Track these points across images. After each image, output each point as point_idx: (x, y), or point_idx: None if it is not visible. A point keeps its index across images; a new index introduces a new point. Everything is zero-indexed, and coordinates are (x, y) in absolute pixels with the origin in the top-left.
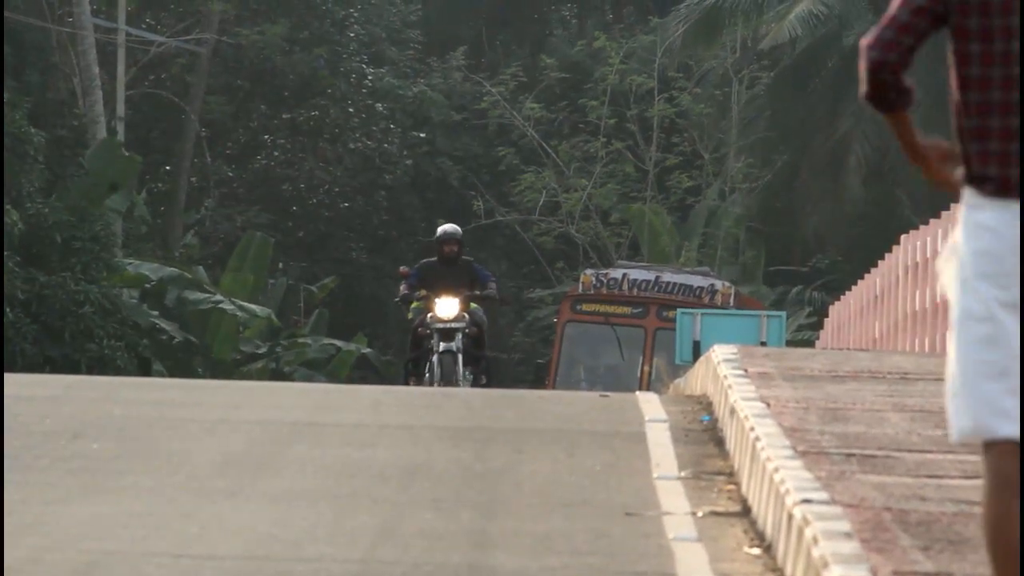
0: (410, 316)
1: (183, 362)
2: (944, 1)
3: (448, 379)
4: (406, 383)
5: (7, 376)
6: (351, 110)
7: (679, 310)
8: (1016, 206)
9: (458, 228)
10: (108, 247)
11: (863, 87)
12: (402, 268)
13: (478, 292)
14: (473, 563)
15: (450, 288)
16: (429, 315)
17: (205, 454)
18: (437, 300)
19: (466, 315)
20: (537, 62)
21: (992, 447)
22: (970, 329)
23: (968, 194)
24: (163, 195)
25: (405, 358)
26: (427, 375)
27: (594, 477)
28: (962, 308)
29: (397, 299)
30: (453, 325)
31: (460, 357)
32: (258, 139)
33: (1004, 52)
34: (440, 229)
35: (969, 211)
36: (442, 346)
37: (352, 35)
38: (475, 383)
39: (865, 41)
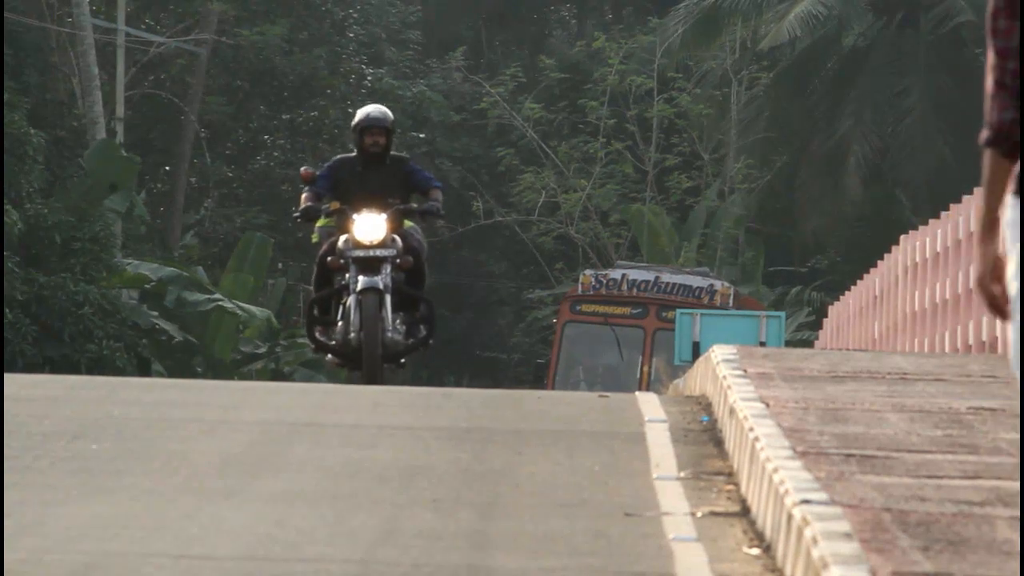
0: (315, 239)
1: (183, 362)
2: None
3: (371, 329)
4: (310, 336)
5: (7, 376)
6: (351, 110)
7: (678, 310)
8: None
9: (387, 112)
10: (108, 247)
11: (992, 140)
12: (304, 169)
13: (415, 205)
14: (472, 563)
15: (374, 198)
16: (343, 238)
17: (205, 454)
18: (355, 216)
19: (396, 238)
20: (536, 62)
21: None
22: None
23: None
24: (162, 195)
25: (307, 300)
26: (339, 323)
27: (593, 477)
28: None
29: (296, 213)
30: (378, 252)
31: (388, 298)
32: (257, 139)
33: None
34: (361, 112)
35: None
36: (362, 282)
37: (351, 36)
38: (409, 335)
39: (989, 108)
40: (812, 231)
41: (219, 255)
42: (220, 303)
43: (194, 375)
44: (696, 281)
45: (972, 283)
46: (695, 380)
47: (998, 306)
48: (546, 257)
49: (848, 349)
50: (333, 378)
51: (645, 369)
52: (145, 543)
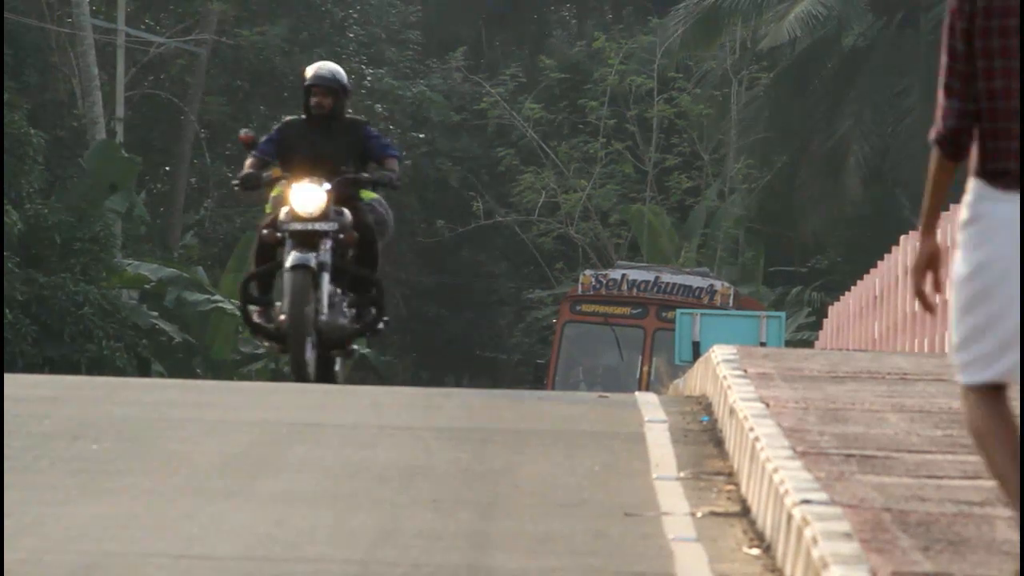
0: (268, 209)
1: (182, 363)
2: (967, 43)
3: (295, 311)
4: (246, 318)
5: (7, 376)
6: (350, 111)
7: (678, 310)
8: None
9: (338, 69)
10: (107, 248)
11: (938, 141)
12: (244, 132)
13: (366, 175)
14: (472, 564)
15: (324, 165)
16: (284, 209)
17: (204, 455)
18: (294, 185)
19: (343, 211)
20: (536, 62)
21: (990, 386)
22: (966, 293)
23: (979, 186)
24: (162, 196)
25: (244, 275)
26: (277, 304)
27: (593, 478)
28: (960, 277)
29: (235, 181)
30: (315, 226)
31: (325, 277)
32: (258, 139)
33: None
34: (309, 69)
35: (980, 202)
36: (292, 258)
37: (351, 36)
38: (358, 318)
39: (937, 110)
40: (812, 231)
41: (219, 255)
42: (219, 304)
43: (194, 375)
44: (696, 281)
45: (913, 269)
46: (695, 380)
47: (924, 298)
48: (546, 257)
49: (848, 349)
50: None
51: (645, 369)
52: (145, 543)
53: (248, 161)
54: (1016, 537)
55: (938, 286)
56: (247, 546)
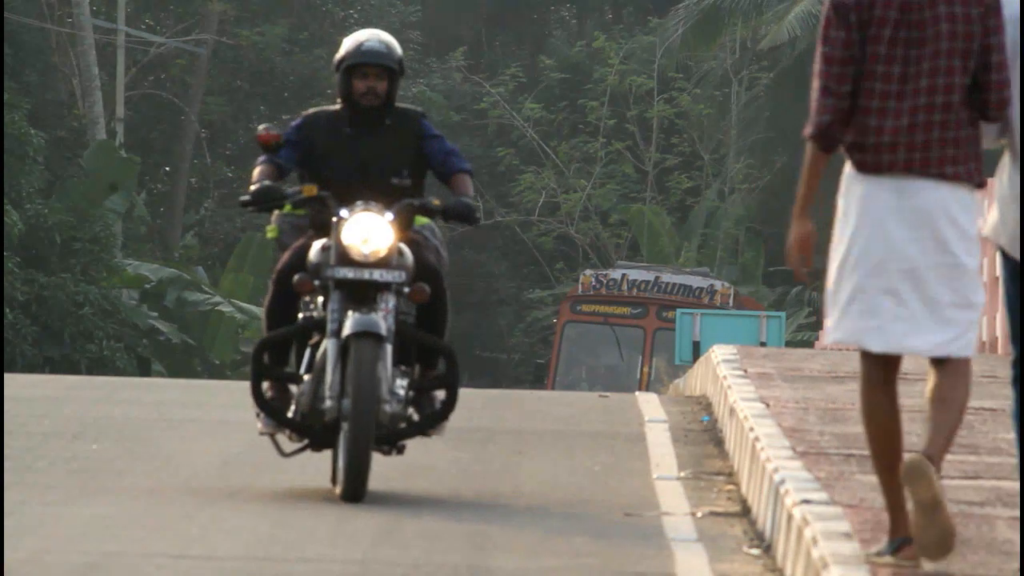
0: (271, 233)
1: (183, 363)
2: (845, 48)
3: (367, 399)
4: (256, 396)
5: (7, 377)
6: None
7: (678, 310)
8: (877, 180)
9: (393, 43)
10: (108, 248)
11: (813, 136)
12: (265, 128)
13: (437, 202)
14: (473, 563)
15: (365, 178)
16: (318, 245)
17: (205, 455)
18: (343, 212)
19: (406, 252)
20: (537, 62)
21: (867, 355)
22: (854, 267)
23: (848, 168)
24: (163, 196)
25: (259, 340)
26: (305, 381)
27: (593, 478)
28: (846, 249)
29: (245, 198)
30: (378, 275)
31: (389, 350)
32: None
33: (884, 72)
34: (350, 41)
35: (849, 181)
36: (353, 321)
37: None
38: (417, 405)
39: (813, 108)
40: None
41: (219, 255)
42: (220, 304)
43: (194, 375)
44: (696, 281)
45: (787, 248)
46: (695, 380)
47: (799, 272)
48: (546, 257)
49: (848, 349)
50: None
51: (645, 369)
52: (145, 543)
53: (257, 169)
54: (1016, 537)
55: (807, 264)
56: (247, 546)
